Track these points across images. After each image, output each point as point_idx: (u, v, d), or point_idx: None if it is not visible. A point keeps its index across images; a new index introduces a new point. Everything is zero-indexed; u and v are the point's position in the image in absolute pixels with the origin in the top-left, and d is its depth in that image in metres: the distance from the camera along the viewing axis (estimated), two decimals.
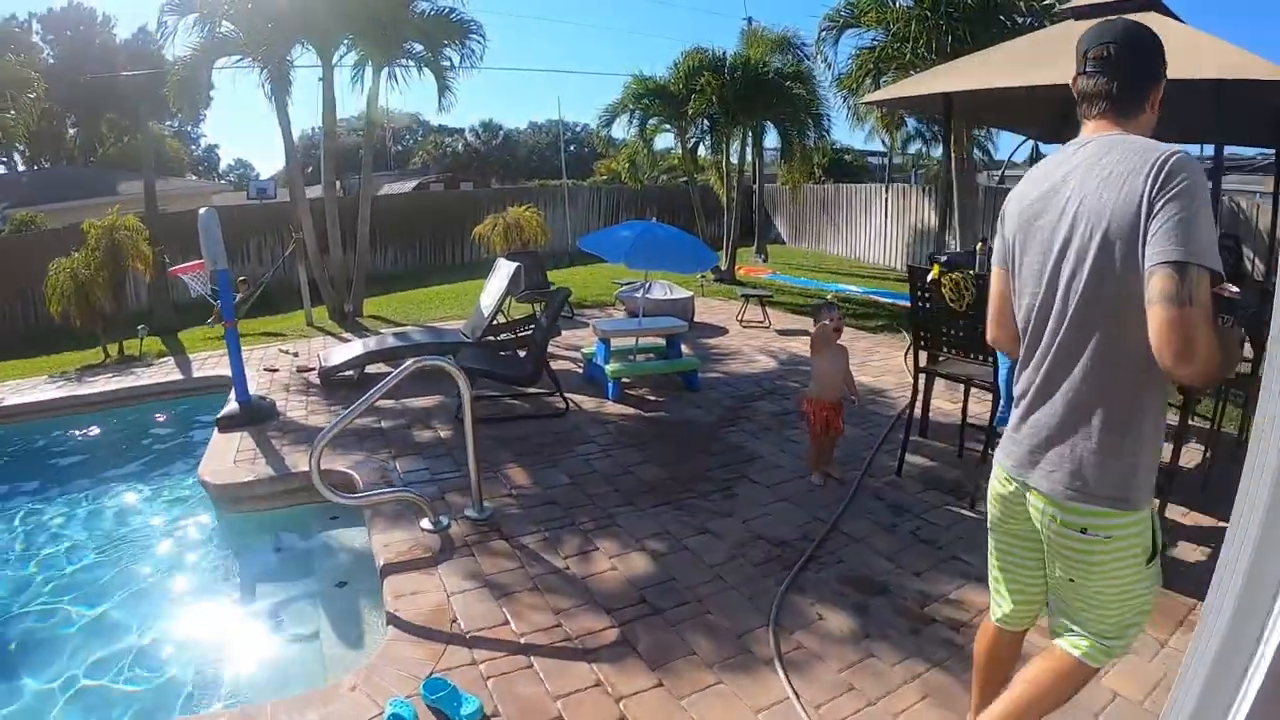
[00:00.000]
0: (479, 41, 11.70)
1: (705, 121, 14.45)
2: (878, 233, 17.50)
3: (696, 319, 10.15)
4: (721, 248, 14.64)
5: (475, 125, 55.77)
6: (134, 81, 16.52)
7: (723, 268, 14.03)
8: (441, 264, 20.52)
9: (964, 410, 5.08)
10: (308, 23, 10.23)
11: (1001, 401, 4.02)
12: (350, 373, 7.17)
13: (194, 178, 37.66)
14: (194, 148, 44.71)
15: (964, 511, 4.36)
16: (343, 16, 10.26)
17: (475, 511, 4.30)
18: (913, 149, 24.71)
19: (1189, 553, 3.82)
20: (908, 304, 4.69)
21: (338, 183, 12.86)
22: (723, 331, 9.59)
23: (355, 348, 7.47)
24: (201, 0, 9.94)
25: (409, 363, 4.04)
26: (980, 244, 5.35)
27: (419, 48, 11.48)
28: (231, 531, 4.81)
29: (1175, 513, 4.12)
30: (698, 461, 5.21)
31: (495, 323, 7.89)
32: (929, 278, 4.22)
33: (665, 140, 16.96)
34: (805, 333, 9.31)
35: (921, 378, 4.95)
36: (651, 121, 14.98)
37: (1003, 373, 4.02)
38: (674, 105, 13.99)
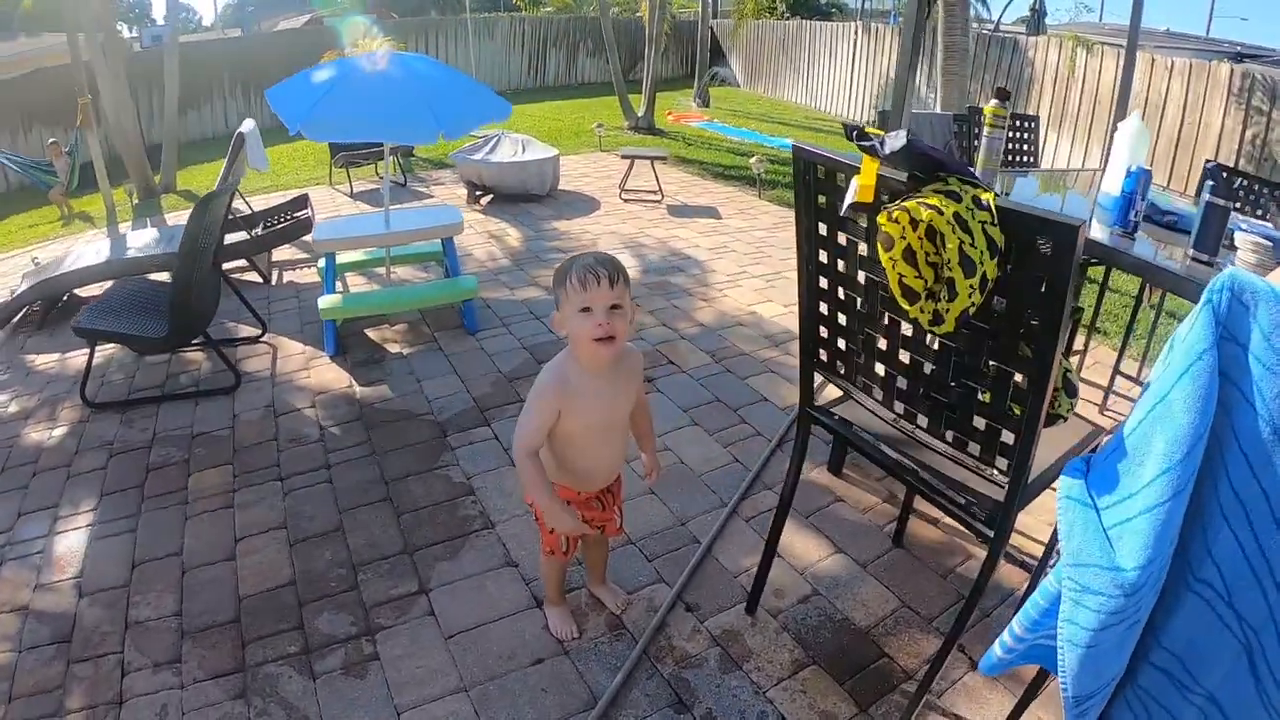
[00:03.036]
0: None
1: None
2: (841, 80, 14.03)
3: (565, 185, 7.11)
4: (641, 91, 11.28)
5: None
6: None
7: (639, 113, 10.76)
8: None
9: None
10: None
11: (1023, 629, 1.23)
12: (37, 304, 4.35)
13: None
14: None
15: None
16: None
17: None
18: None
19: None
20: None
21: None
22: (593, 206, 6.58)
23: (25, 280, 4.46)
24: None
25: None
26: (998, 99, 2.35)
27: None
28: None
29: None
30: (365, 532, 2.50)
31: (238, 215, 4.92)
32: (848, 199, 1.34)
33: None
34: (709, 214, 6.39)
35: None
36: None
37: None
38: None
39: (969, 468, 1.48)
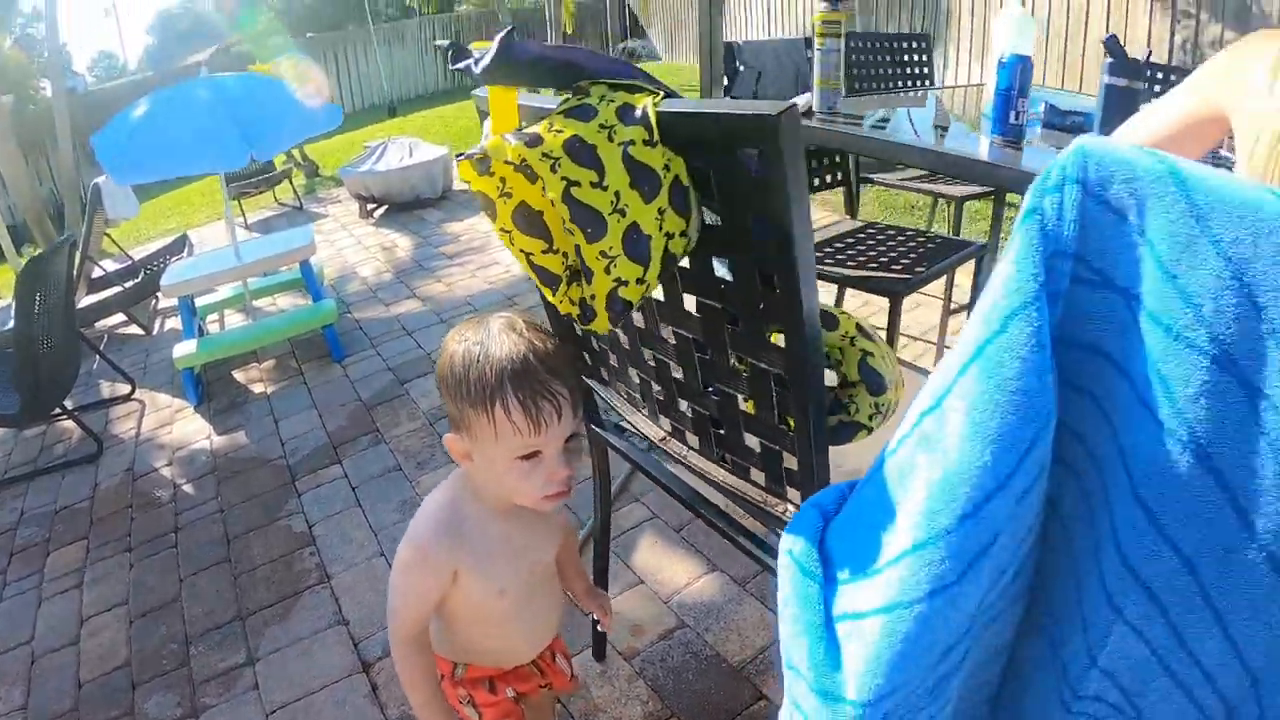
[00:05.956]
0: None
1: None
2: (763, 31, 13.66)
3: (462, 185, 6.78)
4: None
5: None
6: None
7: None
8: None
9: None
10: None
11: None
12: None
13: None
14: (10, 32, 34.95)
15: None
16: None
17: None
18: None
19: None
20: None
21: None
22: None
23: None
24: None
25: None
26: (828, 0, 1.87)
27: None
28: None
29: None
30: (202, 601, 2.26)
31: (109, 271, 4.59)
32: (475, 149, 0.88)
33: None
34: None
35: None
36: None
37: None
38: None
39: (755, 502, 1.21)
